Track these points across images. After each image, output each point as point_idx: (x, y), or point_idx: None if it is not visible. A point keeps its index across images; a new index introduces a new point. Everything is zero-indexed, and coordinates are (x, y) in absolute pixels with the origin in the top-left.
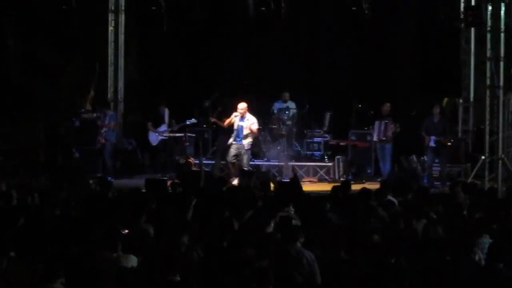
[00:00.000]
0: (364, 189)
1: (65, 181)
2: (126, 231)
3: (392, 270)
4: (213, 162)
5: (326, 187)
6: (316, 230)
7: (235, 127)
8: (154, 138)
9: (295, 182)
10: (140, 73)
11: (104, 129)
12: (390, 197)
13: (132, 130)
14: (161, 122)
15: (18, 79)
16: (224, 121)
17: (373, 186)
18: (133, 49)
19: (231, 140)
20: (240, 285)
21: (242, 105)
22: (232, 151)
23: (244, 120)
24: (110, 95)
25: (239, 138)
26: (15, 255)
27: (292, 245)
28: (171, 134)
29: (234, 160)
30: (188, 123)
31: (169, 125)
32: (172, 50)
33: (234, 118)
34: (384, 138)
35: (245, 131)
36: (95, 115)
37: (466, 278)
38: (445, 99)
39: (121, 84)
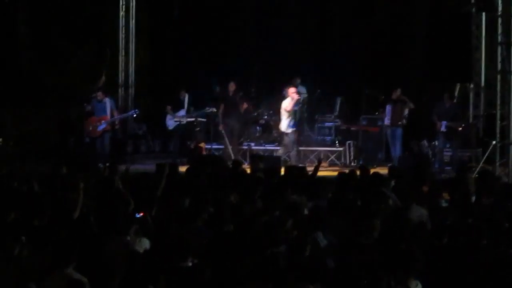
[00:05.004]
0: (375, 173)
1: (76, 166)
2: (140, 214)
3: (402, 255)
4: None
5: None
6: (327, 215)
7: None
8: (171, 122)
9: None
10: (151, 58)
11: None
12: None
13: (143, 115)
14: (180, 107)
15: (29, 65)
16: (242, 106)
17: (384, 171)
18: (144, 33)
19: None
20: (252, 271)
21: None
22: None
23: (297, 105)
24: (120, 79)
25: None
26: (27, 241)
27: (305, 232)
28: (188, 119)
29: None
30: (208, 110)
31: (188, 111)
32: (183, 34)
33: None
34: (395, 123)
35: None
36: (89, 108)
37: (475, 263)
38: (458, 86)
39: (131, 68)
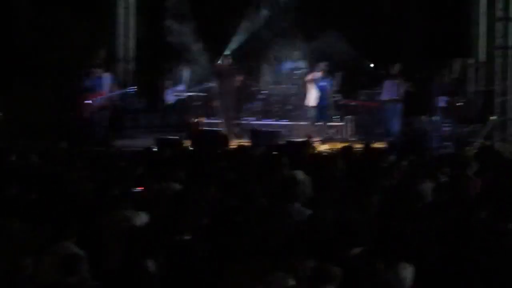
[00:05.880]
0: (369, 148)
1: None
2: (138, 189)
3: (396, 233)
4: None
5: (335, 146)
6: (323, 190)
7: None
8: (171, 97)
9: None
10: (151, 32)
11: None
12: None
13: (143, 90)
14: (180, 82)
15: (26, 40)
16: (237, 80)
17: (383, 146)
18: (144, 7)
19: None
20: (248, 245)
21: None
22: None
23: (326, 81)
24: (120, 54)
25: (324, 99)
26: (25, 216)
27: (291, 206)
28: (188, 94)
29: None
30: (207, 85)
31: (188, 86)
32: (184, 8)
33: (314, 78)
34: (395, 98)
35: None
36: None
37: (474, 239)
38: (457, 61)
39: (132, 43)
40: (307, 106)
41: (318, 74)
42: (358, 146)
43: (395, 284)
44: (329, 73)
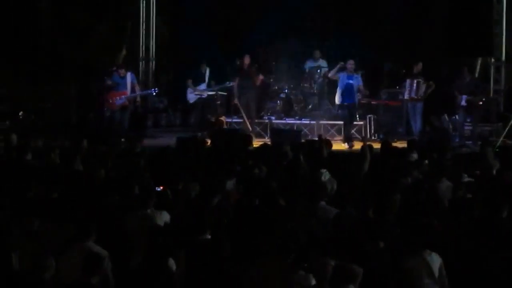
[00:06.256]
0: (391, 148)
1: (96, 141)
2: (160, 188)
3: (425, 230)
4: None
5: (357, 146)
6: (345, 189)
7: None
8: (192, 96)
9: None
10: (172, 32)
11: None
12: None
13: (164, 89)
14: (201, 80)
15: (49, 39)
16: (257, 79)
17: (404, 145)
18: (165, 7)
19: (337, 101)
20: (270, 245)
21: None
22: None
23: (354, 79)
24: (141, 53)
25: (351, 96)
26: (47, 215)
27: (316, 205)
28: (209, 93)
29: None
30: (228, 85)
31: (208, 85)
32: (204, 7)
33: (339, 74)
34: (416, 97)
35: (356, 90)
36: (110, 82)
37: (496, 237)
38: (479, 60)
39: (152, 42)
40: (332, 105)
41: (345, 72)
42: (379, 145)
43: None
44: (355, 71)
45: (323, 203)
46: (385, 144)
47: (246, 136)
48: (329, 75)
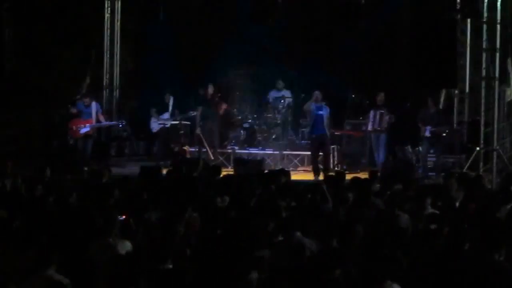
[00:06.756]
0: (355, 178)
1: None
2: (122, 217)
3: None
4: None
5: (320, 176)
6: (308, 219)
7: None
8: (156, 125)
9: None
10: (136, 61)
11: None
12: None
13: (127, 117)
14: (165, 109)
15: (13, 66)
16: (220, 108)
17: (367, 176)
18: (129, 36)
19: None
20: (235, 274)
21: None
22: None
23: (323, 109)
24: (105, 82)
25: (320, 128)
26: (5, 243)
27: (291, 235)
28: (173, 122)
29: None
30: (192, 114)
31: (172, 114)
32: (168, 37)
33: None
34: (379, 128)
35: (326, 121)
36: (75, 110)
37: (459, 269)
38: (443, 92)
39: (117, 71)
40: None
41: (313, 103)
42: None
43: None
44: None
45: (298, 233)
46: (342, 175)
47: (215, 167)
48: (304, 107)
